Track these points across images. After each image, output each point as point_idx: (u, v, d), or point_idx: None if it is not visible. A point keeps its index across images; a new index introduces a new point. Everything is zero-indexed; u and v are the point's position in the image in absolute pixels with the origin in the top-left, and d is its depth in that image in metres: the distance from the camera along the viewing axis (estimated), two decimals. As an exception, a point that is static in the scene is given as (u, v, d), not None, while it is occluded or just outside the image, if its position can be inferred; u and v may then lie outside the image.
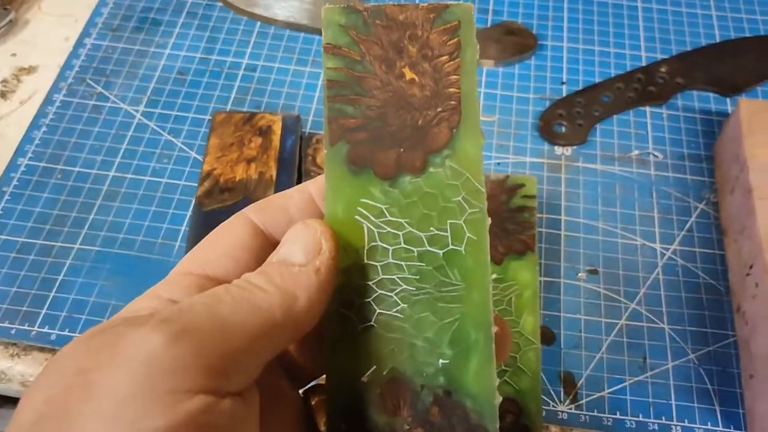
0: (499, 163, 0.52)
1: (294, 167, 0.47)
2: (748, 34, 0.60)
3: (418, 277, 0.24)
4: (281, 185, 0.44)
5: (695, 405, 0.42)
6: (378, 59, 0.25)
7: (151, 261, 0.46)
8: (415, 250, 0.24)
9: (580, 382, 0.42)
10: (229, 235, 0.24)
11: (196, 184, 0.48)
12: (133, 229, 0.47)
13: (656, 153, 0.53)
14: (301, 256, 0.22)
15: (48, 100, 0.54)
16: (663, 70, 0.57)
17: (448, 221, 0.24)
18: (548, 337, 0.44)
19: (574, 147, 0.53)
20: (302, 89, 0.55)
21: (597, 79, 0.57)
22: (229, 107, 0.54)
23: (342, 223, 0.24)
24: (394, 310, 0.24)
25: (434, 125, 0.25)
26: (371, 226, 0.24)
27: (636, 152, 0.53)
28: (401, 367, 0.24)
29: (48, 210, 0.48)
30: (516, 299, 0.43)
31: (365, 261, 0.24)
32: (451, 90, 0.25)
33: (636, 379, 0.43)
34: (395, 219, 0.25)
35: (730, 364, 0.43)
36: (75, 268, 0.45)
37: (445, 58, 0.26)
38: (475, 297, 0.24)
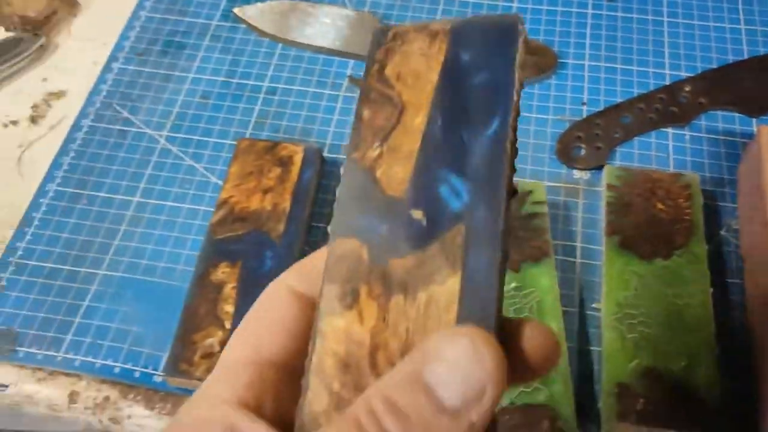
0: (515, 188, 0.52)
1: (309, 201, 0.47)
2: (777, 50, 0.59)
3: (659, 319, 0.43)
4: (294, 218, 0.45)
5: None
6: (638, 196, 0.47)
7: (172, 288, 0.47)
8: (660, 299, 0.43)
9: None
10: (275, 310, 0.22)
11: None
12: (154, 255, 0.48)
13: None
14: (457, 399, 0.17)
15: (76, 126, 0.55)
16: (687, 89, 0.56)
17: (682, 286, 0.44)
18: (560, 368, 0.44)
19: (593, 171, 0.52)
20: (321, 112, 0.56)
21: (618, 99, 0.56)
22: (249, 131, 0.55)
23: (614, 278, 0.44)
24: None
25: (675, 234, 0.46)
26: (636, 283, 0.44)
27: (656, 175, 0.52)
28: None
29: (74, 236, 0.50)
30: (537, 306, 0.44)
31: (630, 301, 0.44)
32: (686, 217, 0.46)
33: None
34: (650, 281, 0.44)
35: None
36: (99, 294, 0.47)
37: (681, 200, 0.47)
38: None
